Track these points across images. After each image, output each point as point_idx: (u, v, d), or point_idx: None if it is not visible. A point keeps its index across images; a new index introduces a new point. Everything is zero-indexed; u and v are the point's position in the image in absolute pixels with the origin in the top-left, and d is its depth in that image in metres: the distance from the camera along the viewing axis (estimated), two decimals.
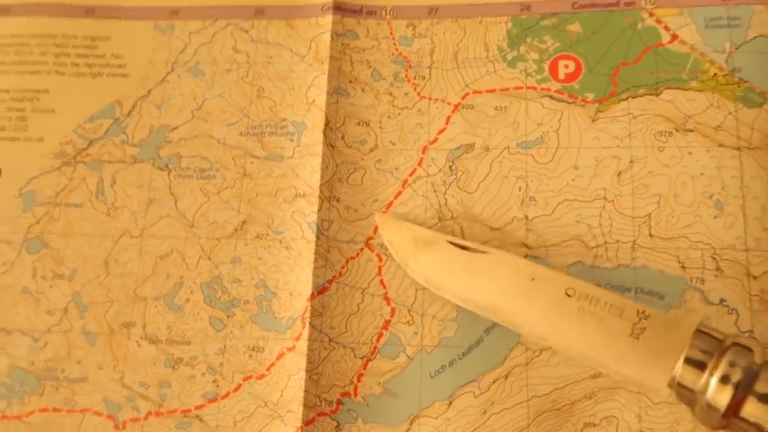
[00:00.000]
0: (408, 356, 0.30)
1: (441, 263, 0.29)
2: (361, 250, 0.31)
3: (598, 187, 0.31)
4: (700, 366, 0.24)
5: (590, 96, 0.32)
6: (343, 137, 0.32)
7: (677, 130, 0.31)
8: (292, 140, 0.33)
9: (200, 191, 0.33)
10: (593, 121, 0.32)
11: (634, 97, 0.31)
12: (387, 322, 0.30)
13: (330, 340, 0.30)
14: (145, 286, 0.32)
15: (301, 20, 0.35)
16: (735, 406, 0.23)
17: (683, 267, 0.29)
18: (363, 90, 0.33)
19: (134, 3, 0.36)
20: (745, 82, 0.31)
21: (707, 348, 0.24)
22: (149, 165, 0.33)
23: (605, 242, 0.30)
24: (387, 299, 0.30)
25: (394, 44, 0.34)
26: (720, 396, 0.23)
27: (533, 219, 0.31)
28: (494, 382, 0.29)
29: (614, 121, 0.31)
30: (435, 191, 0.32)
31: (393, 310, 0.30)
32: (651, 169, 0.30)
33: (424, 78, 0.33)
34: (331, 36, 0.34)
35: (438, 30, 0.34)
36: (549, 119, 0.32)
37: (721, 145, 0.30)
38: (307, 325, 0.29)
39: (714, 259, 0.29)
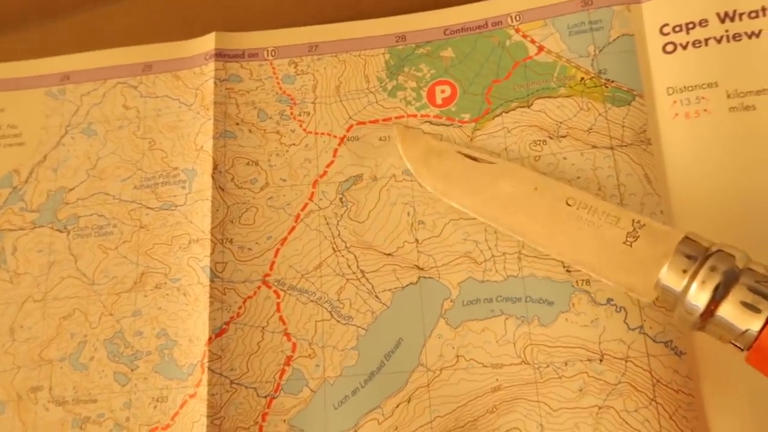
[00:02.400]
0: (311, 390, 0.30)
1: (450, 172, 0.31)
2: (258, 288, 0.32)
3: None
4: (683, 270, 0.25)
5: (466, 116, 0.33)
6: (232, 179, 0.34)
7: (551, 138, 0.32)
8: (184, 188, 0.34)
9: (99, 248, 0.33)
10: (471, 140, 0.33)
11: (507, 112, 0.33)
12: (289, 358, 0.31)
13: (231, 382, 0.30)
14: (50, 348, 0.32)
15: (186, 71, 0.36)
16: (712, 307, 0.24)
17: (568, 271, 0.30)
18: (250, 131, 0.34)
19: (25, 73, 0.37)
20: (612, 82, 0.32)
21: (692, 253, 0.25)
22: (48, 229, 0.34)
23: (492, 256, 0.31)
24: (287, 335, 0.31)
25: (278, 83, 0.35)
26: (699, 298, 0.24)
27: (423, 241, 0.32)
28: (397, 406, 0.30)
29: (491, 137, 0.32)
30: (327, 224, 0.33)
31: (294, 345, 0.31)
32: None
33: (309, 114, 0.34)
34: (215, 82, 0.35)
35: (319, 66, 0.35)
36: None
37: (594, 147, 0.31)
38: (206, 370, 0.30)
39: None
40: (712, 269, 0.24)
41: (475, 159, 0.31)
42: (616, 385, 0.28)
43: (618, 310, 0.29)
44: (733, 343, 0.24)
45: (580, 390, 0.29)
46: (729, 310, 0.23)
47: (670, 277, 0.25)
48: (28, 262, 0.34)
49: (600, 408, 0.28)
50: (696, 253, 0.25)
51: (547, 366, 0.29)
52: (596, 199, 0.28)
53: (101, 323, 0.32)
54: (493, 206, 0.30)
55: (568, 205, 0.28)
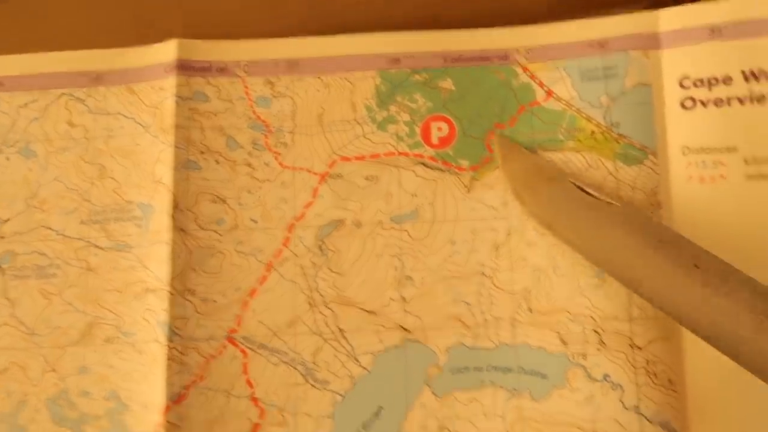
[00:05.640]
0: None
1: (560, 202, 0.28)
2: (224, 347, 0.29)
3: (476, 262, 0.30)
4: None
5: (465, 163, 0.31)
6: (195, 219, 0.30)
7: None
8: (139, 226, 0.30)
9: (39, 293, 0.30)
10: (468, 190, 0.30)
11: None
12: (256, 426, 0.29)
13: None
14: None
15: (143, 84, 0.32)
16: None
17: (564, 342, 0.29)
18: (217, 161, 0.31)
19: None
20: (625, 137, 0.30)
21: None
22: None
23: (485, 320, 0.29)
24: (254, 399, 0.29)
25: (251, 106, 0.32)
26: None
27: (410, 299, 0.30)
28: None
29: (490, 190, 0.30)
30: (304, 274, 0.30)
31: (262, 411, 0.29)
32: (529, 239, 0.29)
33: (286, 145, 0.31)
34: (176, 101, 0.31)
35: (299, 88, 0.32)
36: (423, 190, 0.30)
37: None
38: None
39: (596, 332, 0.29)
40: None
41: (591, 194, 0.28)
42: None
43: (614, 387, 0.28)
44: None
45: None
46: None
47: None
48: None
49: None
50: None
51: None
52: (729, 265, 0.24)
53: (43, 380, 0.29)
54: (608, 253, 0.26)
55: (697, 267, 0.24)
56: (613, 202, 0.28)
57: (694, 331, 0.25)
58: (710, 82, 0.29)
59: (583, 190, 0.28)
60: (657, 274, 0.25)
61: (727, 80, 0.29)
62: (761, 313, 0.23)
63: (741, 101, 0.29)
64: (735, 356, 0.24)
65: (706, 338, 0.25)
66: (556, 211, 0.28)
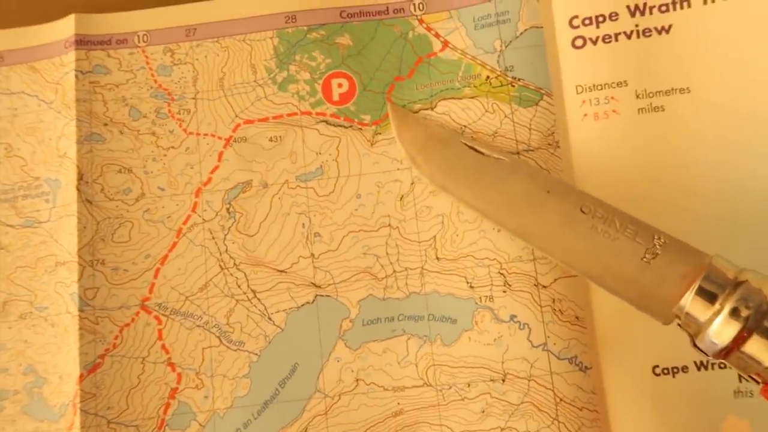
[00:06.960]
0: (200, 424, 0.29)
1: (452, 163, 0.29)
2: (137, 314, 0.30)
3: (382, 214, 0.30)
4: (709, 299, 0.24)
5: (367, 118, 0.31)
6: (102, 189, 0.31)
7: None
8: (47, 201, 0.31)
9: None
10: (372, 144, 0.31)
11: None
12: (174, 391, 0.29)
13: (108, 422, 0.29)
14: None
15: (45, 61, 0.32)
16: (739, 340, 0.23)
17: (471, 287, 0.29)
18: (121, 132, 0.31)
19: None
20: (519, 80, 0.30)
21: (719, 281, 0.24)
22: None
23: (394, 272, 0.30)
24: (171, 365, 0.30)
25: (152, 75, 0.32)
26: (724, 332, 0.23)
27: (319, 256, 0.30)
28: None
29: (392, 143, 0.31)
30: (213, 238, 0.31)
31: (179, 375, 0.29)
32: (432, 188, 0.30)
33: (189, 111, 0.32)
34: (76, 75, 0.31)
35: (199, 54, 0.32)
36: (327, 147, 0.31)
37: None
38: (78, 411, 0.28)
39: (501, 274, 0.29)
40: (741, 302, 0.23)
41: (481, 153, 0.29)
42: (519, 406, 0.29)
43: (521, 327, 0.29)
44: (752, 377, 0.24)
45: (483, 411, 0.29)
46: (757, 347, 0.23)
47: (694, 305, 0.24)
48: None
49: (502, 429, 0.28)
50: (723, 282, 0.24)
51: (450, 387, 0.29)
52: (612, 208, 0.27)
53: None
54: (500, 206, 0.28)
55: (583, 212, 0.27)
56: (502, 157, 0.29)
57: (583, 273, 0.27)
58: (598, 20, 0.30)
59: (474, 149, 0.29)
60: (546, 222, 0.27)
61: (613, 16, 0.30)
62: (644, 254, 0.25)
63: (628, 36, 0.30)
64: (622, 295, 0.26)
65: (595, 280, 0.26)
66: (449, 172, 0.29)
